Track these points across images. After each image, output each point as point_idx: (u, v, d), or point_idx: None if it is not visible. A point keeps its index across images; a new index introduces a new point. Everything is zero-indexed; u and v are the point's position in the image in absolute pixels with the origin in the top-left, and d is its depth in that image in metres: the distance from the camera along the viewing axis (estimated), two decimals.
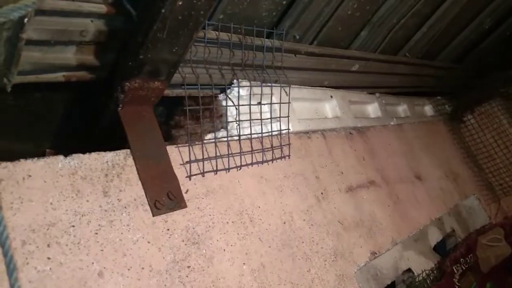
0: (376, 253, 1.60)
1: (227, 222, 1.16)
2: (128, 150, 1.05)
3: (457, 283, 2.02)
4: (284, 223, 1.33)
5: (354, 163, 1.82)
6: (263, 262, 1.19)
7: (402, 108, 2.57)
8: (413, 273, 1.96)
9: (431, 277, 1.98)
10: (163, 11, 0.91)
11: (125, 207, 0.97)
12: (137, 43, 0.97)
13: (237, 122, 1.28)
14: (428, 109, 2.93)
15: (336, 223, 1.53)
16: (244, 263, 1.14)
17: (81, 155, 0.96)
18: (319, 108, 1.83)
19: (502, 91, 3.01)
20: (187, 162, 1.13)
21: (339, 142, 1.82)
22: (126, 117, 1.06)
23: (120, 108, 1.06)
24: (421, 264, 2.01)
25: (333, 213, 1.54)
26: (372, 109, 2.24)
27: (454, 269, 2.10)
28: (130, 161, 1.04)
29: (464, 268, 2.18)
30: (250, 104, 1.30)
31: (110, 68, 1.10)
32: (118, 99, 1.05)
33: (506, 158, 2.89)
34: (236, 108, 1.30)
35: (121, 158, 1.02)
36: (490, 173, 2.95)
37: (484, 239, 2.45)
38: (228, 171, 1.23)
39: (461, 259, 2.19)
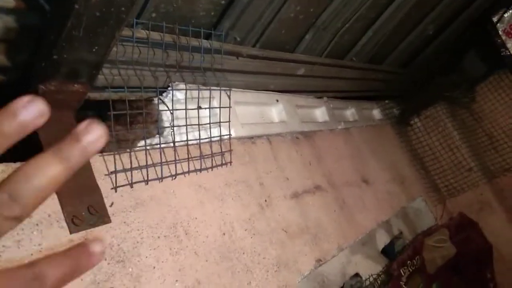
0: (321, 260, 1.57)
1: (158, 237, 1.08)
2: None
3: (404, 286, 2.04)
4: (224, 234, 1.26)
5: (300, 168, 1.79)
6: (198, 277, 1.11)
7: (350, 112, 2.58)
8: (361, 277, 1.95)
9: (379, 281, 1.98)
10: (76, 6, 0.81)
11: (37, 225, 0.87)
12: (50, 42, 0.87)
13: (172, 128, 1.20)
14: (376, 113, 2.96)
15: (280, 231, 1.48)
16: (176, 280, 1.06)
17: None
18: (264, 112, 1.78)
19: (447, 95, 3.10)
20: (112, 172, 1.04)
21: (285, 147, 1.77)
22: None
23: None
24: (369, 268, 2.00)
25: (277, 221, 1.49)
26: (320, 113, 2.22)
27: (402, 271, 2.12)
28: None
29: (411, 270, 2.20)
30: (186, 109, 1.22)
31: (23, 70, 0.99)
32: None
33: (450, 160, 2.98)
34: (171, 113, 1.22)
35: None
36: (436, 175, 3.02)
37: (430, 241, 2.49)
38: (161, 181, 1.15)
39: (408, 262, 2.21)
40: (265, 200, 1.50)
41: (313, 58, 1.86)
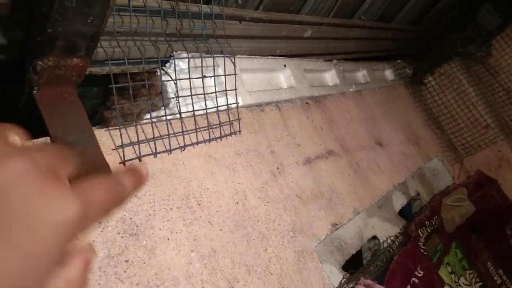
0: (337, 224, 1.56)
1: (171, 209, 1.07)
2: (48, 138, 0.93)
3: (422, 247, 2.03)
4: (237, 203, 1.25)
5: (311, 134, 1.75)
6: (213, 247, 1.11)
7: (361, 74, 2.51)
8: (379, 240, 1.94)
9: (397, 243, 1.97)
10: None
11: None
12: (43, 14, 0.84)
13: (177, 99, 1.17)
14: (389, 74, 2.88)
15: (294, 198, 1.47)
16: (192, 250, 1.06)
17: None
18: (272, 78, 1.74)
19: (461, 51, 2.99)
20: (119, 147, 1.03)
21: (295, 113, 1.74)
22: (43, 101, 0.94)
23: (35, 91, 0.94)
24: (387, 230, 1.99)
25: (290, 188, 1.48)
26: (330, 76, 2.16)
27: (420, 232, 2.10)
28: None
29: (429, 230, 2.19)
30: (190, 78, 1.19)
31: (20, 47, 0.96)
32: (32, 81, 0.93)
33: (467, 118, 2.90)
34: (175, 83, 1.19)
35: None
36: (452, 134, 2.96)
37: (448, 200, 2.47)
38: (170, 153, 1.13)
39: (426, 222, 2.19)
40: (277, 168, 1.48)
41: (320, 18, 1.79)
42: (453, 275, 2.21)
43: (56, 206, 0.32)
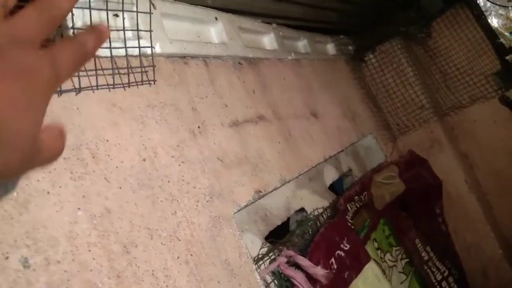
0: (261, 191, 1.45)
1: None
2: None
3: (350, 220, 1.99)
4: (144, 160, 1.10)
5: (242, 96, 1.62)
6: (108, 206, 0.96)
7: (302, 44, 2.41)
8: (307, 212, 1.87)
9: (324, 216, 1.92)
10: None
11: None
12: None
13: (73, 31, 0.99)
14: (330, 48, 2.81)
15: (215, 160, 1.34)
16: (78, 208, 0.89)
17: None
18: (202, 31, 1.58)
19: (402, 30, 2.98)
20: None
21: (225, 71, 1.60)
22: None
23: None
24: (316, 203, 1.93)
25: (212, 149, 1.34)
26: (268, 40, 2.04)
27: (348, 207, 2.07)
28: None
29: (358, 206, 2.16)
30: (90, 8, 1.00)
31: None
32: None
33: (403, 97, 2.92)
34: (72, 14, 1.00)
35: None
36: (388, 112, 2.97)
37: (379, 177, 2.46)
38: (60, 94, 0.95)
39: (356, 197, 2.16)
40: (198, 127, 1.34)
41: None
42: (379, 251, 2.21)
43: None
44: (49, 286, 0.78)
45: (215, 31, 1.62)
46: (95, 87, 1.03)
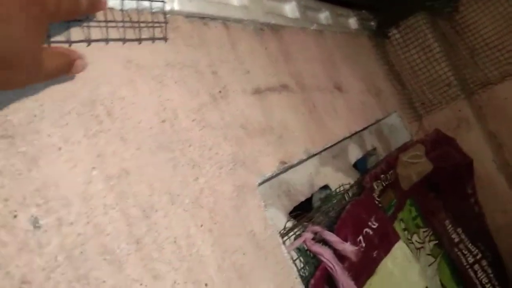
0: (286, 162, 1.36)
1: (68, 113, 0.81)
2: None
3: (377, 199, 1.89)
4: (163, 121, 1.01)
5: (264, 63, 1.52)
6: (126, 167, 0.87)
7: (323, 15, 2.29)
8: (331, 190, 1.78)
9: (350, 193, 1.82)
10: None
11: None
12: None
13: None
14: (352, 22, 2.68)
15: (237, 128, 1.24)
16: (93, 167, 0.81)
17: None
18: None
19: (428, 4, 2.83)
20: None
21: (246, 36, 1.50)
22: None
23: None
24: (340, 180, 1.83)
25: (234, 116, 1.25)
26: (289, 8, 1.92)
27: (374, 185, 1.96)
28: None
29: (384, 184, 2.05)
30: None
31: None
32: None
33: (429, 75, 2.78)
34: None
35: None
36: (413, 90, 2.83)
37: (405, 156, 2.34)
38: (70, 45, 0.86)
39: (382, 176, 2.05)
40: (219, 91, 1.24)
41: None
42: (406, 232, 2.11)
43: None
44: (62, 249, 0.70)
45: None
46: (106, 40, 0.94)
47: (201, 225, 0.97)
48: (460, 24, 2.86)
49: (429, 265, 2.15)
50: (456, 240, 2.34)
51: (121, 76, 0.96)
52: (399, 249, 1.79)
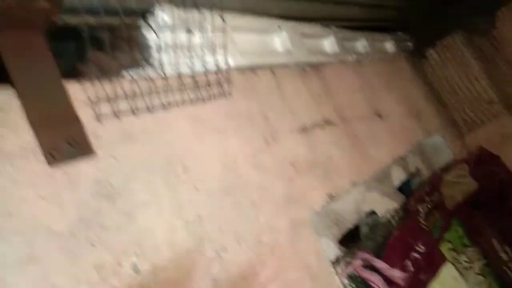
0: (333, 195, 1.47)
1: (153, 171, 0.97)
2: (12, 87, 0.83)
3: (422, 222, 1.95)
4: (226, 168, 1.16)
5: (308, 101, 1.65)
6: (200, 213, 1.02)
7: (361, 44, 2.39)
8: (377, 215, 1.86)
9: (396, 218, 1.89)
10: None
11: (10, 157, 0.76)
12: None
13: (159, 55, 1.07)
14: (389, 45, 2.76)
15: (288, 166, 1.37)
16: (175, 217, 0.96)
17: None
18: (266, 40, 1.63)
19: (464, 22, 2.86)
20: (94, 102, 0.93)
21: (291, 79, 1.63)
22: (5, 44, 0.83)
23: None
24: (385, 205, 1.91)
25: (284, 156, 1.38)
26: (328, 43, 2.05)
27: (420, 208, 2.03)
28: (16, 101, 0.82)
29: (429, 206, 2.11)
30: (169, 27, 1.08)
31: None
32: None
33: (469, 93, 2.81)
34: (158, 37, 1.08)
35: (3, 98, 0.80)
36: (454, 109, 2.87)
37: (449, 176, 2.38)
38: (153, 112, 1.03)
39: (426, 198, 2.11)
40: (271, 134, 1.38)
41: None
42: (453, 252, 2.14)
43: None
44: None
45: (279, 40, 1.66)
46: (181, 103, 1.10)
47: (264, 260, 1.10)
48: (497, 39, 2.87)
49: (479, 285, 2.17)
50: (505, 258, 2.34)
51: (191, 132, 1.12)
52: (447, 271, 1.84)
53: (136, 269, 0.84)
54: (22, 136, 0.80)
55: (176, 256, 0.91)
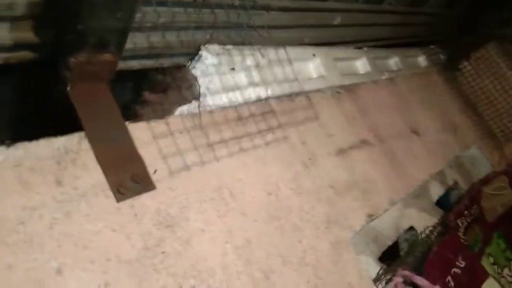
0: (372, 215, 1.52)
1: (205, 200, 1.07)
2: (83, 133, 0.95)
3: (462, 237, 1.96)
4: (270, 194, 1.25)
5: (343, 123, 1.72)
6: (248, 237, 1.11)
7: (393, 61, 2.44)
8: (416, 231, 1.89)
9: (435, 233, 1.91)
10: None
11: (83, 196, 0.88)
12: (73, 12, 0.85)
13: (206, 92, 1.17)
14: (421, 60, 2.79)
15: (327, 188, 1.44)
16: (226, 242, 1.05)
17: (26, 143, 0.87)
18: (301, 68, 1.71)
19: (498, 33, 2.85)
20: (153, 140, 1.04)
21: (326, 103, 1.71)
22: (76, 97, 0.96)
23: (69, 88, 0.96)
24: (424, 220, 1.94)
25: (323, 179, 1.45)
26: (360, 64, 2.11)
27: (459, 222, 2.03)
28: (86, 144, 0.94)
29: (469, 220, 2.11)
30: (214, 65, 1.18)
31: (53, 45, 0.98)
32: (65, 77, 0.95)
33: (506, 103, 2.78)
34: (204, 76, 1.19)
35: (75, 143, 0.93)
36: (491, 120, 2.84)
37: (489, 189, 2.37)
38: (218, 161, 1.13)
39: (465, 212, 2.12)
40: (309, 158, 1.46)
41: (349, 5, 1.75)
42: (495, 266, 2.12)
43: None
44: None
45: (313, 66, 1.75)
46: (243, 151, 1.20)
47: (308, 281, 1.17)
48: None
49: None
50: None
51: (235, 161, 1.21)
52: (489, 287, 1.84)
53: None
54: (93, 175, 0.92)
55: (227, 278, 0.99)
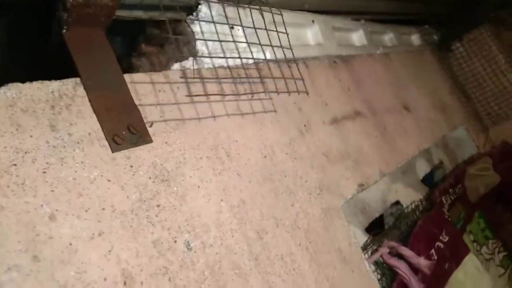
0: (363, 184, 1.53)
1: (201, 158, 1.05)
2: (78, 79, 0.90)
3: (446, 213, 1.99)
4: (265, 157, 1.23)
5: (338, 93, 1.70)
6: (242, 197, 1.09)
7: (388, 37, 2.42)
8: (402, 205, 1.91)
9: (420, 208, 1.94)
10: None
11: (78, 143, 0.85)
12: None
13: (203, 48, 1.13)
14: (415, 38, 2.78)
15: (321, 156, 1.44)
16: (221, 200, 1.04)
17: (20, 84, 0.82)
18: (300, 34, 1.68)
19: (491, 16, 2.86)
20: (149, 92, 1.00)
21: (322, 71, 1.68)
22: (72, 41, 0.91)
23: (65, 30, 0.91)
24: (410, 196, 1.96)
25: (317, 146, 1.44)
26: (357, 37, 2.09)
27: (443, 199, 2.07)
28: (81, 91, 0.90)
29: (452, 198, 2.15)
30: (214, 22, 1.14)
31: None
32: (62, 19, 0.90)
33: (494, 86, 2.81)
34: (202, 31, 1.15)
35: (70, 88, 0.88)
36: (479, 102, 2.87)
37: (472, 169, 2.41)
38: (209, 97, 1.10)
39: (450, 190, 2.15)
40: (304, 125, 1.44)
41: None
42: (475, 244, 2.18)
43: None
44: (207, 266, 0.93)
45: (312, 33, 1.71)
46: (223, 94, 1.17)
47: (299, 244, 1.17)
48: None
49: (499, 276, 2.21)
50: None
51: (232, 122, 1.18)
52: (470, 261, 1.89)
53: (188, 246, 0.92)
54: (88, 123, 0.88)
55: (222, 235, 0.98)
